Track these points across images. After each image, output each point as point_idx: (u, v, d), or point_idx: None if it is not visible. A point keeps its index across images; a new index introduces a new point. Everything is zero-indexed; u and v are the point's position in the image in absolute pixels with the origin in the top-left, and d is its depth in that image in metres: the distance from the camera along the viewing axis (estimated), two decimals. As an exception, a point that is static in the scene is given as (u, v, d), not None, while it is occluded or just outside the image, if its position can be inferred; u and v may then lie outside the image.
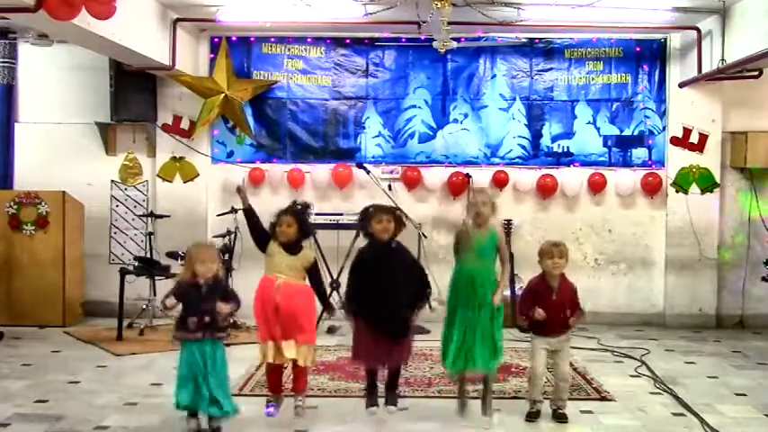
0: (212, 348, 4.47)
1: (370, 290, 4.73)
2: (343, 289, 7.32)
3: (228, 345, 6.68)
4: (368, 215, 4.85)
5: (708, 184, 8.12)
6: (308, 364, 4.86)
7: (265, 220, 7.30)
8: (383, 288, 4.70)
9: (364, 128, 8.31)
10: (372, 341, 4.75)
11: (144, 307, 7.53)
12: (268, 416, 4.84)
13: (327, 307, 5.03)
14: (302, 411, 4.87)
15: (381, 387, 4.99)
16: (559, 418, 4.91)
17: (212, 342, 4.47)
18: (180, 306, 4.49)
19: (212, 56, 8.20)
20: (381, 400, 4.95)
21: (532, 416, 4.93)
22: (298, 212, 4.84)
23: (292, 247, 4.79)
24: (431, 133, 8.29)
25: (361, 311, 4.81)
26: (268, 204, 7.97)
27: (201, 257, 4.46)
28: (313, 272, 4.89)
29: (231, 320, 4.56)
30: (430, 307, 4.93)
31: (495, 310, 4.80)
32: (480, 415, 4.88)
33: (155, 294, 7.43)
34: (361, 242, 7.34)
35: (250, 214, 4.97)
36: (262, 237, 4.87)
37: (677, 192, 8.15)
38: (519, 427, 4.85)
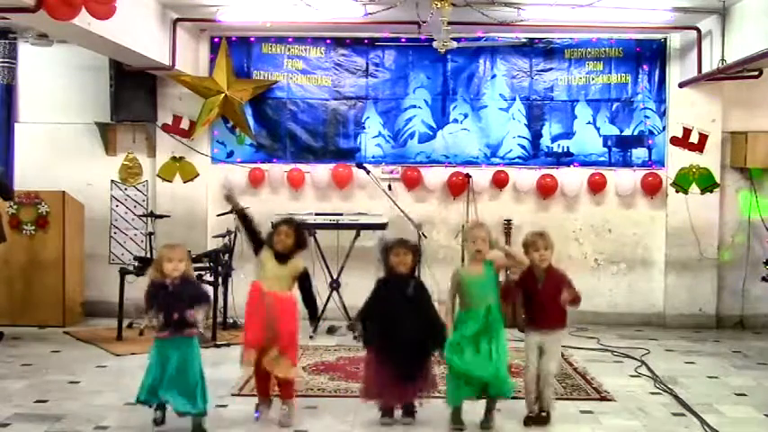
0: (183, 345, 4.48)
1: (384, 324, 4.71)
2: (342, 289, 7.42)
3: (229, 345, 6.76)
4: (387, 248, 4.84)
5: (708, 184, 8.12)
6: (291, 377, 4.83)
7: (265, 221, 7.31)
8: (396, 324, 4.66)
9: (364, 128, 8.31)
10: (384, 378, 4.69)
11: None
12: (257, 419, 4.88)
13: (313, 318, 5.03)
14: (287, 421, 4.81)
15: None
16: (539, 420, 4.83)
17: (182, 339, 4.48)
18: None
19: (212, 56, 8.20)
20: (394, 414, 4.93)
21: (528, 420, 4.85)
22: (296, 224, 4.89)
23: (284, 257, 4.80)
24: (431, 133, 8.29)
25: (373, 339, 4.78)
26: (268, 204, 8.09)
27: (169, 256, 4.49)
28: (304, 281, 4.88)
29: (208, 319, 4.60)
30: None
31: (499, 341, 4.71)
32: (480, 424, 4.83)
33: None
34: (361, 242, 7.47)
35: (244, 217, 5.00)
36: (256, 242, 4.91)
37: (677, 192, 8.15)
38: (518, 429, 4.84)
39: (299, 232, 4.85)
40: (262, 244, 4.87)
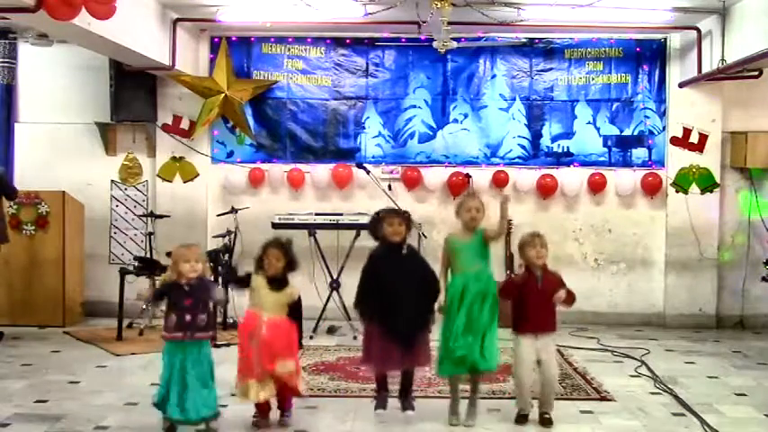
0: (195, 349, 4.48)
1: (382, 292, 4.74)
2: (342, 289, 7.41)
3: (228, 345, 6.75)
4: (379, 219, 4.87)
5: (708, 184, 8.12)
6: (298, 385, 4.76)
7: (265, 221, 7.31)
8: (394, 291, 4.71)
9: (364, 128, 8.31)
10: (384, 344, 4.74)
11: (144, 307, 7.52)
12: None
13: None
14: (286, 421, 4.80)
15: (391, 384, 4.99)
16: (545, 423, 4.83)
17: (195, 343, 4.48)
18: (164, 305, 4.58)
19: (212, 56, 8.20)
20: (387, 401, 4.96)
21: (522, 419, 4.87)
22: (285, 246, 4.79)
23: (278, 282, 4.73)
24: (431, 133, 8.29)
25: (373, 314, 4.81)
26: (268, 204, 8.09)
27: (186, 256, 4.49)
28: (296, 306, 4.88)
29: (217, 318, 4.71)
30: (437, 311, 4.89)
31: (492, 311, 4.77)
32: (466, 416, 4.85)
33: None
34: (361, 242, 7.45)
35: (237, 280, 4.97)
36: (243, 284, 4.84)
37: (677, 192, 8.15)
38: (517, 428, 4.84)
39: (289, 254, 4.77)
40: (248, 281, 4.77)
